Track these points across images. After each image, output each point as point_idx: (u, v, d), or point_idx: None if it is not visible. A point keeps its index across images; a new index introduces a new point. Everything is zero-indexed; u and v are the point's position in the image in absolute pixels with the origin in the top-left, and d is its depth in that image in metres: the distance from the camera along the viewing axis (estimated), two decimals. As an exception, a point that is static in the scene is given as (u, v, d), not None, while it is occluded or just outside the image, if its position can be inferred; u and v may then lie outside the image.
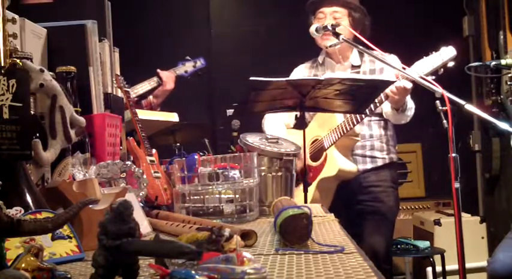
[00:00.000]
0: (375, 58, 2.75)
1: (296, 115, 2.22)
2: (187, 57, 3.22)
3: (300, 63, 2.96)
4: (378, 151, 2.76)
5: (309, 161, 2.54)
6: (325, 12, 2.74)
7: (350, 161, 2.65)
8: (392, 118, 2.71)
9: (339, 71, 2.80)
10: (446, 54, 2.36)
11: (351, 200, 2.67)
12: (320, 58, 2.88)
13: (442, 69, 2.37)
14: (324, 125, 2.65)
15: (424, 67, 2.38)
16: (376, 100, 2.50)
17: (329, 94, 2.25)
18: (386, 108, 2.68)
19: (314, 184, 2.58)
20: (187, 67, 3.20)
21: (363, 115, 2.55)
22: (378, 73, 2.73)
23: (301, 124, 2.17)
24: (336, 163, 2.60)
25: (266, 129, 2.87)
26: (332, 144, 2.60)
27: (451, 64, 2.36)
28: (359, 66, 2.78)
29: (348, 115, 2.56)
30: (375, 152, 2.75)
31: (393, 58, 2.74)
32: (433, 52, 2.38)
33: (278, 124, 2.84)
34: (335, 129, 2.59)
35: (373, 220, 2.70)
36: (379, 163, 2.75)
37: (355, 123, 2.55)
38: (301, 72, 2.92)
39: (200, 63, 3.24)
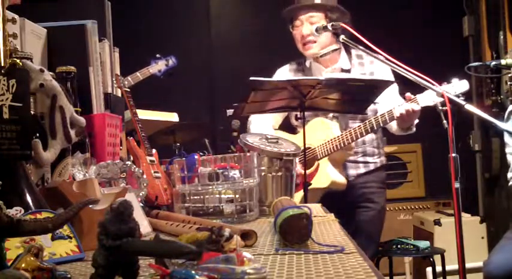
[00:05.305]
0: (364, 62, 2.76)
1: (296, 115, 2.22)
2: (158, 55, 3.18)
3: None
4: (369, 157, 2.80)
5: (299, 169, 2.48)
6: (301, 19, 2.70)
7: (340, 173, 2.67)
8: (392, 131, 2.73)
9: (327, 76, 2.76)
10: (459, 87, 2.32)
11: (344, 202, 2.64)
12: (307, 63, 2.82)
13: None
14: (318, 134, 2.64)
15: (434, 97, 2.37)
16: (380, 122, 2.51)
17: (329, 95, 2.25)
18: (391, 125, 2.68)
19: (299, 194, 2.49)
20: (160, 65, 3.16)
21: (363, 133, 2.54)
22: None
23: (301, 124, 2.16)
24: (328, 175, 2.61)
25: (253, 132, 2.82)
26: (326, 155, 2.60)
27: (462, 98, 2.35)
28: (349, 71, 2.75)
29: (348, 129, 2.58)
30: (367, 157, 2.79)
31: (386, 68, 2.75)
32: (445, 83, 2.36)
33: (266, 127, 2.78)
34: (331, 140, 2.58)
35: (367, 220, 2.72)
36: (371, 167, 2.80)
37: (354, 139, 2.56)
38: (286, 75, 2.86)
39: (172, 61, 3.21)
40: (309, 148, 2.63)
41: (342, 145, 2.57)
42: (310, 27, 2.65)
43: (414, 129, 2.64)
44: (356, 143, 2.70)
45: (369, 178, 2.77)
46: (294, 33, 2.77)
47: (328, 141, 2.60)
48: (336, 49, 2.65)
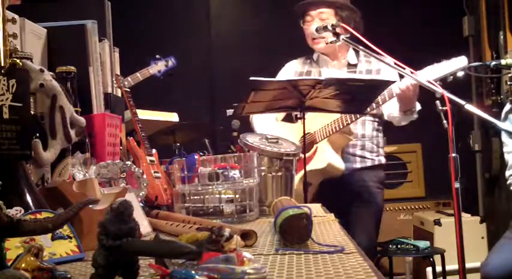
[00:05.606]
0: (371, 59, 2.77)
1: (296, 115, 2.22)
2: (158, 56, 3.21)
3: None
4: (368, 152, 2.79)
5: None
6: (311, 14, 2.77)
7: (339, 158, 2.65)
8: (396, 120, 2.71)
9: (334, 69, 2.80)
10: (457, 63, 2.35)
11: (338, 199, 2.62)
12: (314, 56, 2.88)
13: (451, 77, 2.37)
14: (318, 119, 2.65)
15: (433, 73, 2.38)
16: (379, 100, 2.50)
17: (329, 95, 2.25)
18: (391, 110, 2.68)
19: (299, 175, 2.54)
20: (160, 66, 3.19)
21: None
22: (375, 74, 2.73)
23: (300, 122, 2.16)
24: (325, 157, 2.60)
25: (256, 125, 2.86)
26: (324, 138, 2.61)
27: (461, 73, 2.36)
28: (355, 65, 2.78)
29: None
30: (365, 152, 2.78)
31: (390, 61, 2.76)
32: (444, 60, 2.38)
33: (268, 119, 2.84)
34: (329, 124, 2.60)
35: (362, 219, 2.72)
36: (368, 163, 2.78)
37: (351, 121, 2.56)
38: (294, 66, 2.91)
39: (171, 62, 3.23)
40: (308, 133, 2.64)
41: (341, 126, 2.57)
42: (320, 23, 2.68)
43: (416, 116, 2.64)
44: (355, 136, 2.71)
45: (366, 176, 2.76)
46: (304, 28, 2.82)
47: (327, 124, 2.61)
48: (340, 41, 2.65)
